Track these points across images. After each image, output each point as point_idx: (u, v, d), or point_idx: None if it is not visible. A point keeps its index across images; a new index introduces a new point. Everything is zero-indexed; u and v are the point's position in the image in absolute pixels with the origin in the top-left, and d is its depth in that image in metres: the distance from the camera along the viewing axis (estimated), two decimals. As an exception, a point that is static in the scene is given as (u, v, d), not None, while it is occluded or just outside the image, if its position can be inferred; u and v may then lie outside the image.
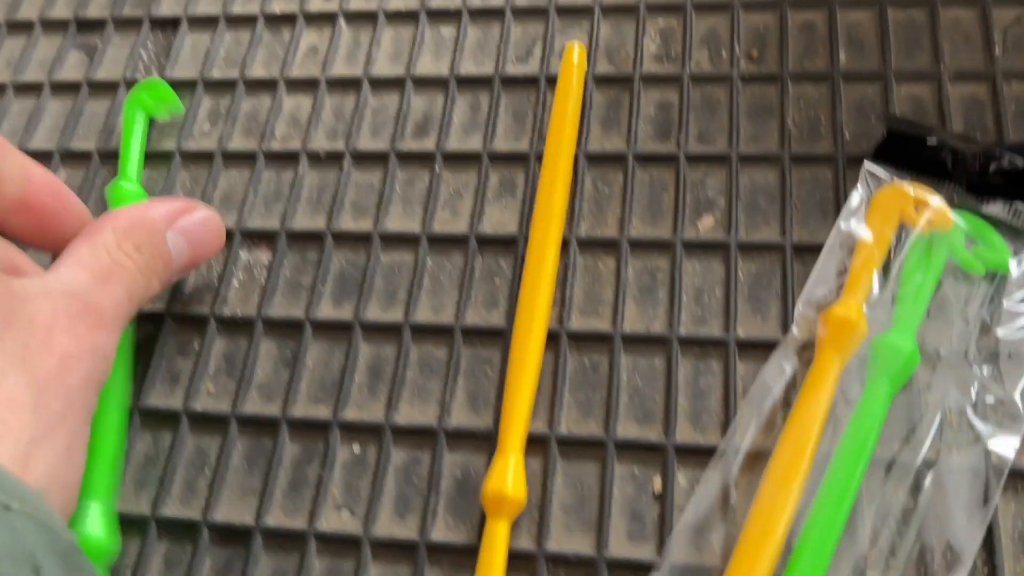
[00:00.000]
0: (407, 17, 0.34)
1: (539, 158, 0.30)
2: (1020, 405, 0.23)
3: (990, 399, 0.23)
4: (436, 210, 0.30)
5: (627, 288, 0.27)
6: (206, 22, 0.36)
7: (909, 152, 0.27)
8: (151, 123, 0.33)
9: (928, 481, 0.23)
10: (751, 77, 0.30)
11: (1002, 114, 0.28)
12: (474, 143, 0.31)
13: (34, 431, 0.19)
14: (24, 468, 0.19)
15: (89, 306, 0.22)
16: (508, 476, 0.24)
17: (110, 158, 0.33)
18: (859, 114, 0.29)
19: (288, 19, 0.35)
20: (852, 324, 0.24)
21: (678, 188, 0.29)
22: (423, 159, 0.31)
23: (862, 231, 0.26)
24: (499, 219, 0.29)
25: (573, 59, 0.31)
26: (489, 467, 0.24)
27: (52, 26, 0.37)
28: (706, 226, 0.28)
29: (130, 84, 0.34)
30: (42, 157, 0.34)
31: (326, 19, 0.35)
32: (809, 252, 0.27)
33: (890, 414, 0.23)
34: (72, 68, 0.36)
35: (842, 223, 0.26)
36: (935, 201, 0.25)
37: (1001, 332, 0.24)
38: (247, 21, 0.35)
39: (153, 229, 0.25)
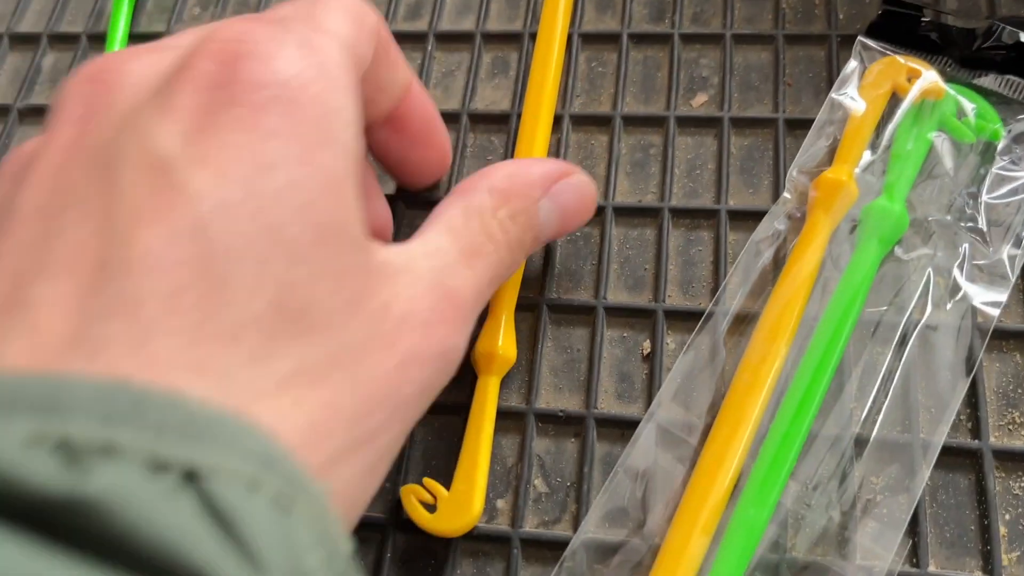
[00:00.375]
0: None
1: (533, 37, 0.30)
2: (1007, 265, 0.23)
3: (977, 260, 0.23)
4: (428, 88, 0.30)
5: (619, 163, 0.27)
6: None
7: (904, 28, 0.27)
8: (141, 4, 0.33)
9: (914, 339, 0.23)
10: (746, -40, 0.30)
11: (996, -6, 0.28)
12: (467, 24, 0.31)
13: (344, 443, 0.16)
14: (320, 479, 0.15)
15: (451, 293, 0.19)
16: (499, 335, 0.24)
17: (98, 40, 0.33)
18: (854, -4, 0.29)
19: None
20: (842, 186, 0.24)
21: (672, 67, 0.29)
22: (415, 39, 0.31)
23: (855, 102, 0.26)
24: (492, 97, 0.29)
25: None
26: (481, 330, 0.25)
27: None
28: (699, 103, 0.28)
29: (119, -32, 0.34)
30: (30, 40, 0.33)
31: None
32: (802, 127, 0.27)
33: (879, 277, 0.24)
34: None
35: (835, 95, 0.26)
36: (928, 72, 0.25)
37: (988, 197, 0.24)
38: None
39: (530, 195, 0.22)
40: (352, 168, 0.17)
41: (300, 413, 0.15)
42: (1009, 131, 0.25)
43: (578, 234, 0.26)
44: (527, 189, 0.21)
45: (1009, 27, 0.25)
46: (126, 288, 0.14)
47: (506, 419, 0.24)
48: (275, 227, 0.15)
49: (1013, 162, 0.24)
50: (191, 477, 0.12)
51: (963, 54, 0.26)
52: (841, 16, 0.28)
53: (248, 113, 0.15)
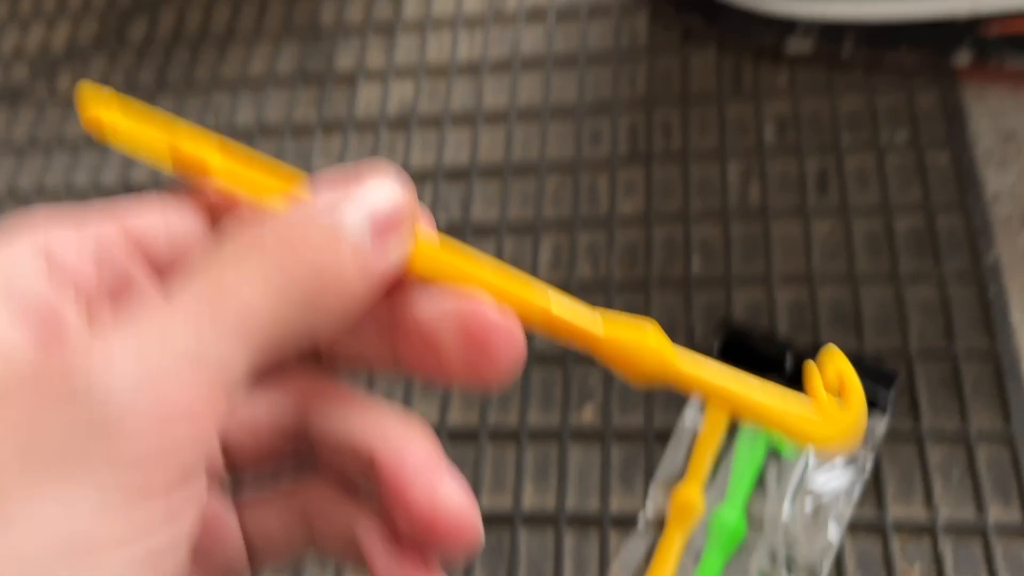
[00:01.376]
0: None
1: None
2: (820, 563, 0.30)
3: (797, 558, 0.30)
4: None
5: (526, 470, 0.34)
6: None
7: (745, 351, 0.34)
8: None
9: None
10: (623, 285, 0.37)
11: (818, 314, 0.35)
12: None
13: None
14: None
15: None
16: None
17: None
18: (708, 314, 0.36)
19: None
20: (691, 505, 0.30)
21: (566, 382, 0.36)
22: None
23: (702, 422, 0.32)
24: (424, 413, 0.36)
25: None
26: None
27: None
28: (587, 414, 0.35)
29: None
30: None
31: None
32: (668, 436, 0.33)
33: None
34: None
35: (687, 414, 0.33)
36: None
37: (808, 500, 0.31)
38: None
39: None
40: None
41: None
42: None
43: (494, 539, 0.33)
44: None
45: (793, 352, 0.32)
46: None
47: None
48: None
49: (827, 469, 0.31)
50: None
51: (788, 375, 0.33)
52: (697, 334, 0.36)
53: None
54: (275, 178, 0.19)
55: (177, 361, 0.14)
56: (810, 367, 0.17)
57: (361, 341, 0.20)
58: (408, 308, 0.18)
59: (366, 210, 0.17)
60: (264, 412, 0.19)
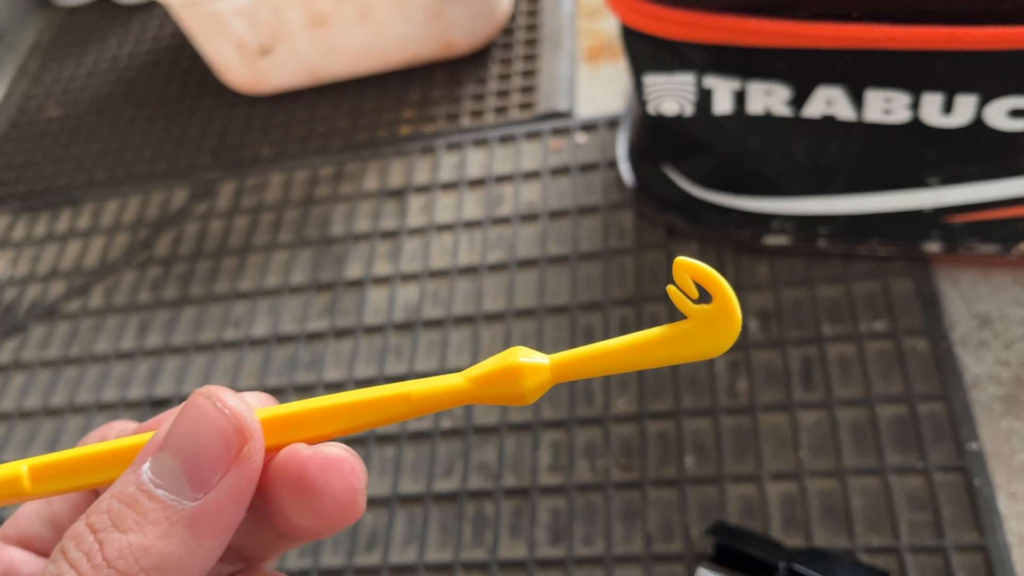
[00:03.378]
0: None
1: (464, 567, 0.38)
2: None
3: None
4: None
5: None
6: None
7: (736, 556, 0.34)
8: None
9: None
10: (621, 484, 0.38)
11: (808, 509, 0.36)
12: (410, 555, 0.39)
13: None
14: None
15: None
16: None
17: None
18: (703, 513, 0.37)
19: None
20: None
21: (569, 587, 0.37)
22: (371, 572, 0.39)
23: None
24: (433, 623, 0.37)
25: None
26: None
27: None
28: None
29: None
30: None
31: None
32: None
33: None
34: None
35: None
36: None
37: None
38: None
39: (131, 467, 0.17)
40: None
41: None
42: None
43: None
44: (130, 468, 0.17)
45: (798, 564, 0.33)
46: None
47: None
48: None
49: None
50: None
51: (782, 577, 0.33)
52: (693, 533, 0.36)
53: None
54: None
55: None
56: (671, 291, 0.18)
57: (256, 539, 0.20)
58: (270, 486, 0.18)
59: (167, 467, 0.16)
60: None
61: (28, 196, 0.61)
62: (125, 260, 0.54)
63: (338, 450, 0.17)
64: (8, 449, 0.48)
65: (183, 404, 0.17)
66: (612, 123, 0.50)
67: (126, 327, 0.51)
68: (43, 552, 0.20)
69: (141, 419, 0.46)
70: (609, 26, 0.56)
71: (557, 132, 0.51)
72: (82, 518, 0.16)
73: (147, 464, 0.16)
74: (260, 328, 0.48)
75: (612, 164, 0.49)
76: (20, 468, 0.18)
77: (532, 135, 0.52)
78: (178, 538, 0.16)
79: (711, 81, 0.38)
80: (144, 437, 0.18)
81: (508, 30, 0.58)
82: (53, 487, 0.18)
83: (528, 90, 0.54)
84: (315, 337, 0.47)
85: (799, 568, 0.33)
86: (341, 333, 0.47)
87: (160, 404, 0.47)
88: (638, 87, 0.40)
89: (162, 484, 0.16)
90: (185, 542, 0.16)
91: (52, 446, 0.47)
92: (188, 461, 0.16)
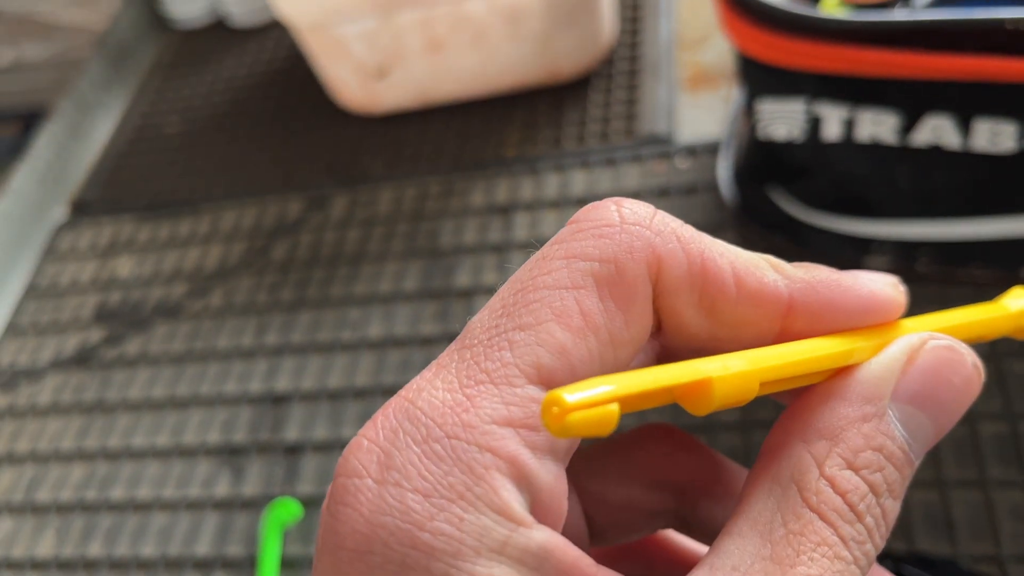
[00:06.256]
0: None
1: None
2: None
3: None
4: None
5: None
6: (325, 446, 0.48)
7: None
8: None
9: None
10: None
11: (911, 517, 0.37)
12: None
13: None
14: None
15: None
16: None
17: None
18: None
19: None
20: None
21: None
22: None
23: None
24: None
25: None
26: None
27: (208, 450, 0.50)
28: None
29: (266, 500, 0.46)
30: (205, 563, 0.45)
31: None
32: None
33: None
34: (224, 485, 0.48)
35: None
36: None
37: None
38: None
39: (876, 407, 0.15)
40: None
41: None
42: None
43: None
44: (865, 400, 0.14)
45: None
46: None
47: None
48: None
49: None
50: None
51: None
52: None
53: None
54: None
55: None
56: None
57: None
58: None
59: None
60: (644, 500, 0.19)
61: (152, 205, 0.65)
62: (243, 265, 0.58)
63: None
64: (136, 435, 0.51)
65: (917, 352, 0.15)
66: (711, 148, 0.53)
67: (245, 327, 0.54)
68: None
69: (261, 414, 0.49)
70: (707, 58, 0.59)
71: (658, 156, 0.54)
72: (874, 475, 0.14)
73: (896, 415, 0.14)
74: (375, 331, 0.51)
75: (712, 187, 0.51)
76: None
77: (634, 159, 0.54)
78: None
79: (822, 108, 0.40)
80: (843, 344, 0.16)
81: (608, 60, 0.61)
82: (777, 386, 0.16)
83: (629, 117, 0.57)
84: (428, 342, 0.50)
85: (909, 570, 0.34)
86: (453, 338, 0.49)
87: (281, 400, 0.50)
88: (749, 111, 0.43)
89: (912, 447, 0.14)
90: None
91: (176, 435, 0.50)
92: (938, 420, 0.14)
